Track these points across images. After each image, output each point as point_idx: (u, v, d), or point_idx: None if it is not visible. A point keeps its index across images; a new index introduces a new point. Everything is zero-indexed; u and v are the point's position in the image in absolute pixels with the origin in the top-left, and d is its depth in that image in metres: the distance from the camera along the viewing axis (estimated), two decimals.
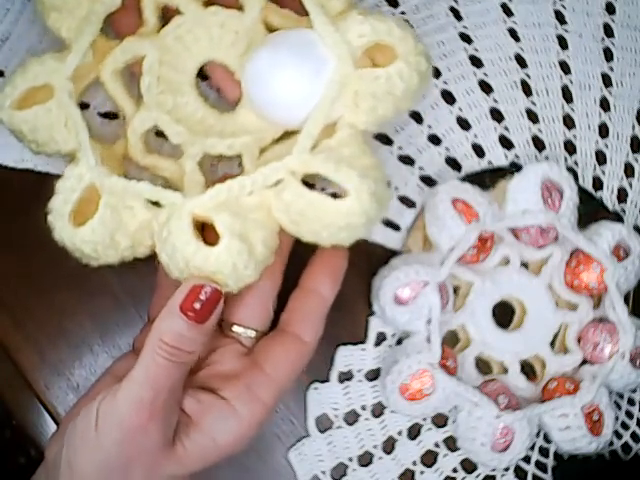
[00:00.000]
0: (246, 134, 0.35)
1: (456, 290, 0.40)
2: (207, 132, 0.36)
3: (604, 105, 0.45)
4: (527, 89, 0.44)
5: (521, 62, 0.44)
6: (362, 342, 0.41)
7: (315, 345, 0.36)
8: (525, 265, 0.40)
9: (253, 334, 0.36)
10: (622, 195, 0.44)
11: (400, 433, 0.40)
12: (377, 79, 0.32)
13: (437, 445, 0.41)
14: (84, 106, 0.41)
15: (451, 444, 0.40)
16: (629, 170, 0.44)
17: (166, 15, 0.37)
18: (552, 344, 0.40)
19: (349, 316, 0.41)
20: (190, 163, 0.35)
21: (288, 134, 0.35)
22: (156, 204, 0.33)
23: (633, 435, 0.42)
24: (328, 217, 0.31)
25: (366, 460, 0.40)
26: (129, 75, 0.37)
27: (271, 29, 0.36)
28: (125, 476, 0.32)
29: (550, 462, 0.41)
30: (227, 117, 0.37)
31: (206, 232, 0.32)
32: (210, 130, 0.36)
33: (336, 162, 0.31)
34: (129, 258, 0.33)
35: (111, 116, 0.41)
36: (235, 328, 0.35)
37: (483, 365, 0.40)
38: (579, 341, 0.39)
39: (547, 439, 0.41)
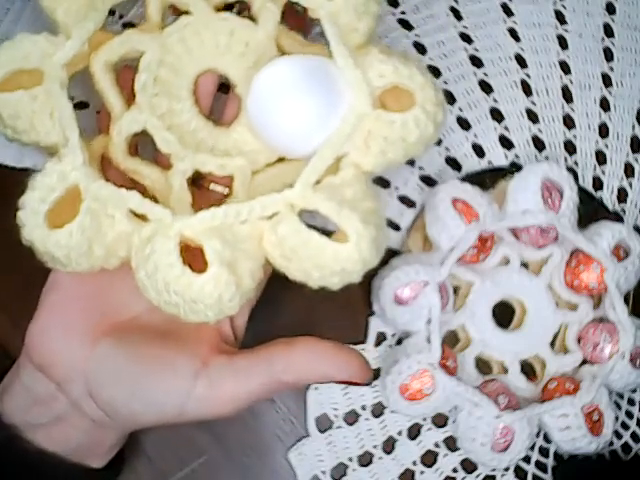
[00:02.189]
0: (239, 154, 0.34)
1: (456, 290, 0.40)
2: (198, 145, 0.34)
3: (604, 105, 0.45)
4: (527, 89, 0.44)
5: (521, 62, 0.44)
6: (362, 342, 0.41)
7: None
8: (525, 265, 0.40)
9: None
10: (622, 195, 0.44)
11: (400, 433, 0.40)
12: (393, 123, 0.31)
13: (437, 445, 0.41)
14: (84, 105, 0.41)
15: (451, 444, 0.40)
16: (629, 170, 0.44)
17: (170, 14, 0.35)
18: (552, 344, 0.40)
19: (349, 316, 0.41)
20: (178, 179, 0.32)
21: (282, 159, 0.34)
22: (139, 216, 0.30)
23: (633, 435, 0.42)
24: (323, 259, 0.29)
25: (366, 460, 0.40)
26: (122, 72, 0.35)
27: (281, 51, 0.34)
28: None
29: (550, 462, 0.41)
30: (221, 132, 0.35)
31: (189, 256, 0.30)
32: (201, 144, 0.34)
33: (339, 203, 0.29)
34: (97, 268, 0.31)
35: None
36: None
37: (483, 365, 0.40)
38: (579, 341, 0.39)
39: (547, 439, 0.41)
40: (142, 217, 0.30)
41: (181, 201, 0.32)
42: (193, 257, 0.29)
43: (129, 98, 0.34)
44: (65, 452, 0.33)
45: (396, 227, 0.42)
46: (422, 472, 0.40)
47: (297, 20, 0.35)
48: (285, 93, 0.31)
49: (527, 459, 0.41)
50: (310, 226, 0.30)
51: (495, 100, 0.44)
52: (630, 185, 0.44)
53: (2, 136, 0.33)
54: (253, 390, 0.31)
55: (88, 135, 0.33)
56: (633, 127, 0.45)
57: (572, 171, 0.43)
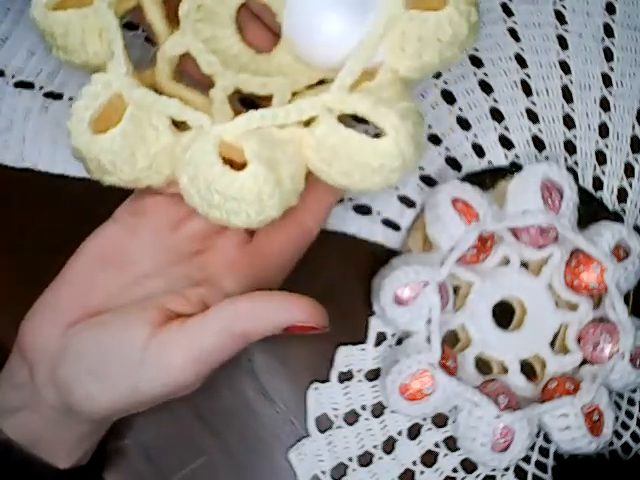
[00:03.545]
0: (280, 76, 0.34)
1: (456, 290, 0.40)
2: (240, 70, 0.35)
3: (604, 105, 0.45)
4: (527, 89, 0.44)
5: (521, 62, 0.44)
6: (362, 342, 0.41)
7: (317, 232, 0.36)
8: (525, 265, 0.40)
9: None
10: (622, 195, 0.44)
11: (400, 433, 0.40)
12: (426, 22, 0.31)
13: (437, 445, 0.41)
14: None
15: (451, 444, 0.40)
16: (629, 170, 0.44)
17: None
18: (552, 344, 0.40)
19: (349, 316, 0.41)
20: (220, 94, 0.33)
21: (321, 83, 0.35)
22: (181, 128, 0.32)
23: (633, 435, 0.42)
24: (362, 156, 0.30)
25: (366, 460, 0.40)
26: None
27: None
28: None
29: (550, 462, 0.41)
30: (262, 57, 0.36)
31: (229, 165, 0.31)
32: (243, 68, 0.35)
33: (375, 101, 0.30)
34: (142, 182, 0.32)
35: None
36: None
37: (483, 365, 0.40)
38: (579, 341, 0.39)
39: (547, 439, 0.41)
40: (185, 129, 0.31)
41: (222, 115, 0.33)
42: (233, 167, 0.30)
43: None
44: (28, 442, 0.33)
45: (396, 227, 0.42)
46: (422, 472, 0.40)
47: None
48: (317, 4, 0.32)
49: (527, 459, 0.41)
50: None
51: (495, 100, 0.44)
52: (630, 185, 0.44)
53: (56, 56, 0.34)
54: (205, 347, 0.30)
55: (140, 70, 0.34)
56: (633, 127, 0.45)
57: (572, 171, 0.43)
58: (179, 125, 0.32)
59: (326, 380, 0.40)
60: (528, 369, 0.40)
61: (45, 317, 0.33)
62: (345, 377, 0.40)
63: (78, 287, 0.33)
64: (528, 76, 0.44)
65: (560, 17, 0.45)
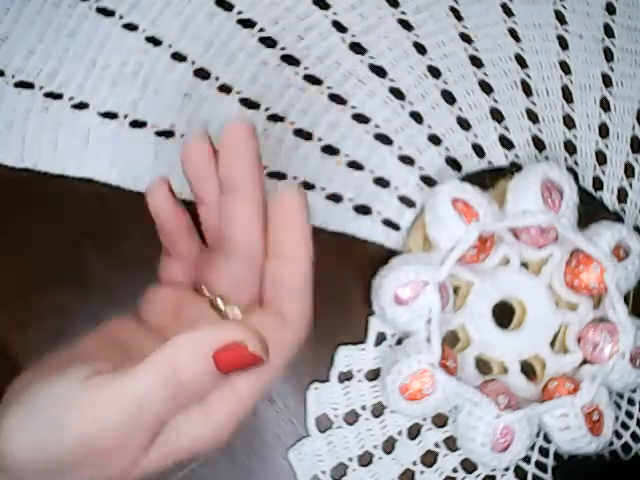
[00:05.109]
0: None
1: (456, 290, 0.40)
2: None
3: (604, 105, 0.45)
4: (527, 89, 0.44)
5: (521, 62, 0.44)
6: (362, 342, 0.41)
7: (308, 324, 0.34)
8: (525, 265, 0.40)
9: (236, 309, 0.33)
10: (622, 195, 0.44)
11: (400, 433, 0.40)
12: None
13: (437, 445, 0.41)
14: (84, 105, 0.41)
15: (451, 444, 0.40)
16: (629, 170, 0.44)
17: None
18: (552, 344, 0.40)
19: (349, 316, 0.41)
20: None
21: None
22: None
23: (633, 435, 0.42)
24: None
25: (366, 460, 0.40)
26: None
27: None
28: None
29: (550, 462, 0.41)
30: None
31: None
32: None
33: None
34: None
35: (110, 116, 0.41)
36: (219, 303, 0.33)
37: (483, 365, 0.40)
38: (579, 341, 0.39)
39: (547, 439, 0.41)
40: None
41: None
42: None
43: None
44: None
45: (396, 227, 0.42)
46: (422, 472, 0.40)
47: None
48: None
49: (527, 459, 0.41)
50: None
51: (495, 100, 0.44)
52: (630, 185, 0.44)
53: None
54: (137, 390, 0.27)
55: None
56: (633, 127, 0.45)
57: (572, 171, 0.43)
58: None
59: (326, 380, 0.40)
60: (528, 369, 0.40)
61: (31, 371, 0.30)
62: (345, 377, 0.40)
63: (80, 353, 0.31)
64: (528, 76, 0.44)
65: (560, 17, 0.45)
